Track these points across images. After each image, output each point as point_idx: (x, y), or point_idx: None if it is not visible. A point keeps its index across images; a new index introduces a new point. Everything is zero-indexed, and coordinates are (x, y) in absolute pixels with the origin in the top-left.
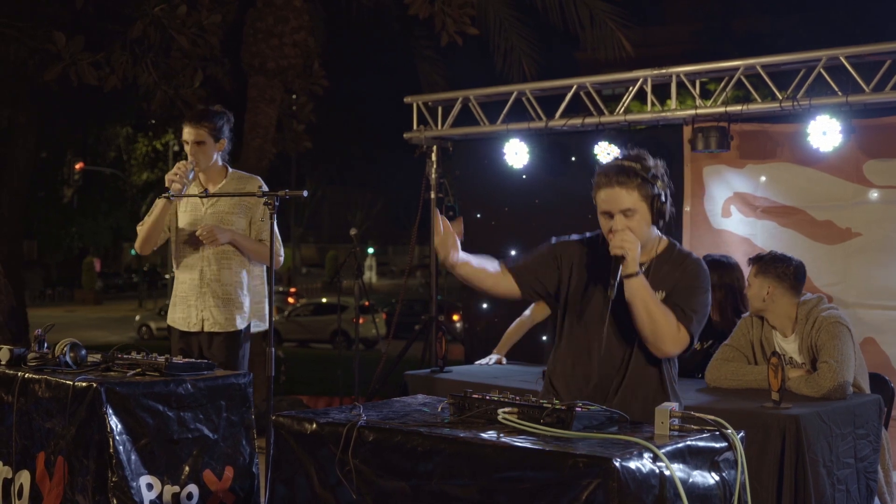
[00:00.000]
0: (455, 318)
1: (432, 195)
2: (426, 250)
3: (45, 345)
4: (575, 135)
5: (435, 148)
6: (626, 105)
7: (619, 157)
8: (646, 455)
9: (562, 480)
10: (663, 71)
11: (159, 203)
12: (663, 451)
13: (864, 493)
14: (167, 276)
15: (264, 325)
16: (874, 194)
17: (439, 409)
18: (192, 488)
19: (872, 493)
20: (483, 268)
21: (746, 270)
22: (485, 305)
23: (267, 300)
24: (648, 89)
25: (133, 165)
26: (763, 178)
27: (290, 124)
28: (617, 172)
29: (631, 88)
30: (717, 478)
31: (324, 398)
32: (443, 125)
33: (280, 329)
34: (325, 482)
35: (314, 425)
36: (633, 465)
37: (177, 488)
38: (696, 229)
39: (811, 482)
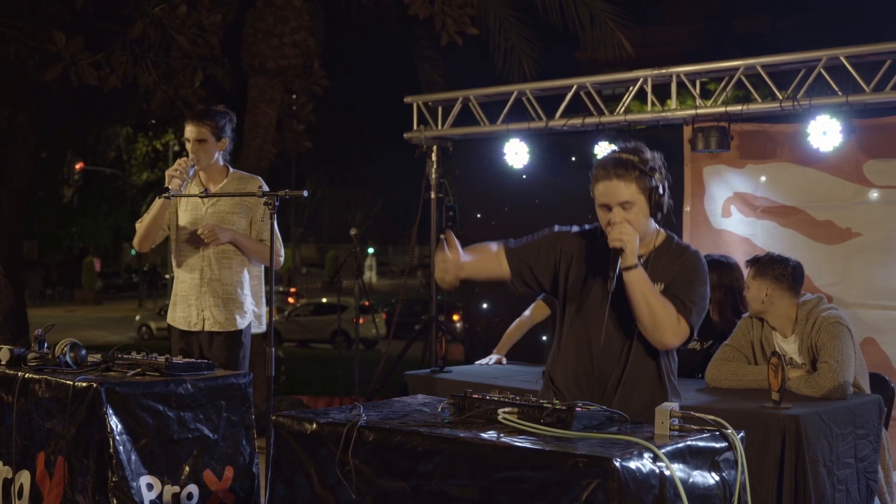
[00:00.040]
0: (455, 318)
1: (432, 195)
2: (426, 250)
3: (45, 345)
4: (575, 135)
5: (435, 148)
6: (626, 105)
7: (617, 150)
8: (646, 455)
9: (562, 480)
10: (663, 71)
11: (158, 201)
12: (663, 451)
13: (864, 493)
14: (167, 276)
15: (261, 328)
16: (874, 194)
17: (439, 409)
18: (192, 488)
19: (872, 493)
20: (479, 259)
21: (746, 271)
22: (485, 305)
23: (264, 300)
24: (648, 89)
25: (133, 165)
26: (763, 178)
27: (290, 124)
28: (615, 165)
29: (631, 88)
30: (717, 478)
31: (324, 398)
32: (443, 125)
33: (280, 329)
34: (325, 482)
35: (314, 425)
36: (633, 465)
37: (177, 488)
38: (696, 229)
39: (811, 482)
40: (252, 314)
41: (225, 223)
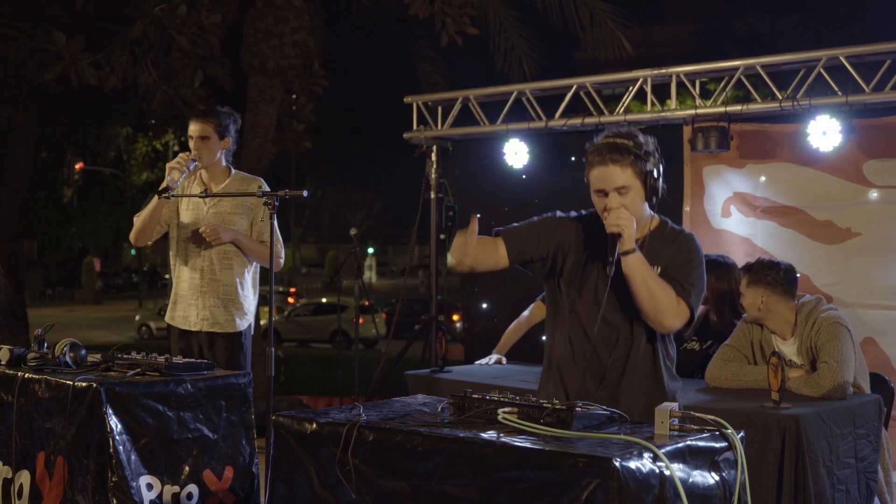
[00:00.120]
0: (455, 318)
1: (432, 195)
2: (426, 250)
3: (45, 345)
4: (575, 135)
5: (435, 148)
6: (626, 105)
7: (610, 135)
8: (646, 455)
9: (562, 480)
10: (663, 71)
11: (156, 198)
12: (663, 450)
13: (864, 493)
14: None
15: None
16: (874, 194)
17: (439, 409)
18: (192, 488)
19: (872, 493)
20: (481, 246)
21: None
22: (485, 305)
23: (255, 299)
24: (648, 89)
25: (133, 165)
26: (763, 178)
27: (290, 124)
28: (610, 150)
29: (631, 88)
30: (717, 478)
31: (324, 398)
32: (443, 125)
33: (280, 329)
34: (325, 482)
35: (314, 425)
36: (633, 464)
37: (177, 488)
38: (695, 229)
39: (811, 482)
40: (252, 315)
41: (226, 224)
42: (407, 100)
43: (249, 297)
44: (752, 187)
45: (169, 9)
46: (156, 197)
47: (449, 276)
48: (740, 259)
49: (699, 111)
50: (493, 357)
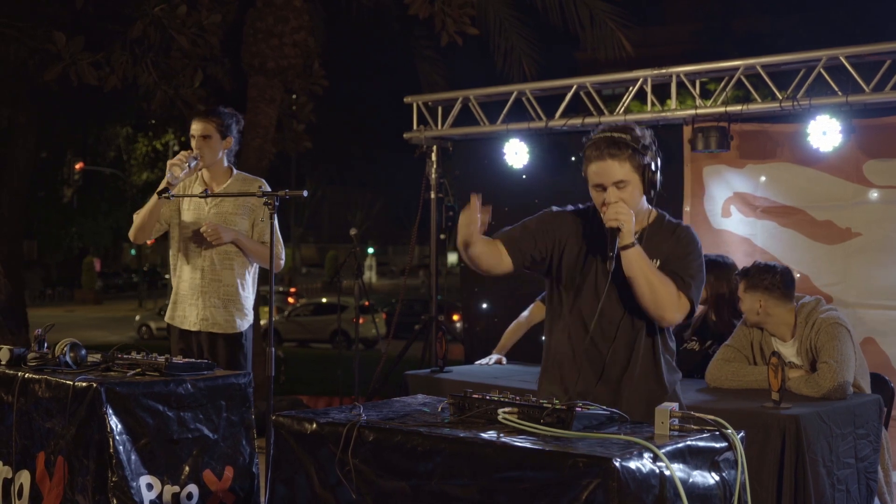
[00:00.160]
0: (455, 318)
1: (432, 195)
2: (426, 250)
3: (45, 345)
4: (575, 135)
5: (435, 148)
6: (626, 105)
7: (607, 129)
8: (646, 455)
9: (562, 480)
10: (663, 71)
11: (155, 197)
12: (663, 451)
13: (864, 493)
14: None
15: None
16: (874, 194)
17: (439, 409)
18: (192, 488)
19: (872, 493)
20: (488, 244)
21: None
22: (485, 305)
23: (252, 298)
24: (648, 89)
25: (133, 165)
26: (763, 178)
27: (290, 124)
28: (608, 145)
29: (631, 88)
30: (717, 478)
31: (324, 398)
32: (443, 125)
33: (280, 329)
34: (325, 482)
35: (314, 425)
36: (633, 465)
37: (177, 488)
38: (696, 229)
39: (811, 482)
40: (252, 315)
41: (227, 224)
42: (407, 100)
43: (250, 297)
44: (752, 187)
45: (169, 9)
46: (155, 195)
47: (449, 276)
48: (740, 259)
49: (699, 111)
50: (493, 357)
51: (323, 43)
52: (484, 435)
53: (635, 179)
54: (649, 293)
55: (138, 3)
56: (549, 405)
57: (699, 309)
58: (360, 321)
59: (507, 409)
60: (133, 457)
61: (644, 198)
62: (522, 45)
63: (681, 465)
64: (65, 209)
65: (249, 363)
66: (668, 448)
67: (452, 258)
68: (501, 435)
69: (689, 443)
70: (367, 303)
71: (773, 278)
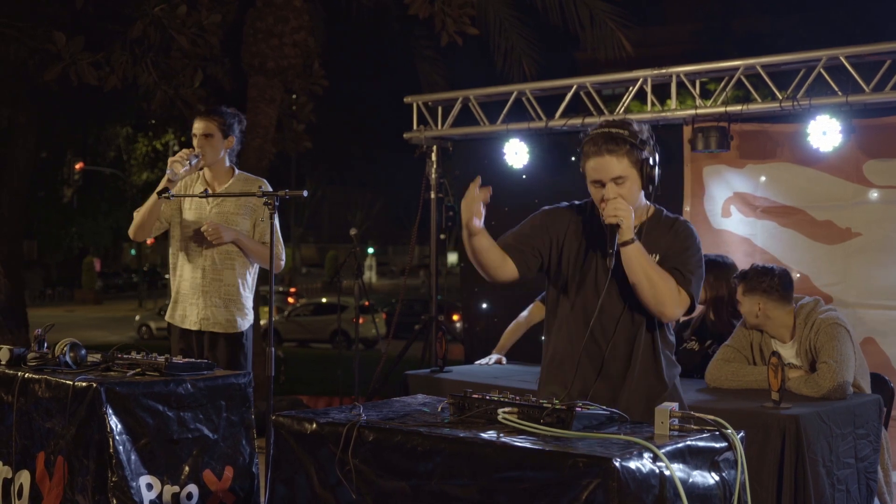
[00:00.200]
0: (455, 318)
1: (432, 195)
2: (426, 250)
3: (45, 345)
4: (575, 135)
5: (435, 148)
6: (626, 105)
7: (604, 125)
8: (646, 455)
9: (562, 480)
10: (663, 71)
11: (154, 195)
12: (663, 451)
13: (864, 493)
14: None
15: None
16: (874, 194)
17: (439, 409)
18: (192, 488)
19: (872, 493)
20: (493, 244)
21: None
22: (484, 305)
23: (252, 298)
24: (648, 89)
25: (133, 165)
26: (763, 178)
27: (290, 124)
28: (606, 140)
29: (631, 88)
30: (717, 478)
31: (324, 398)
32: (443, 125)
33: (280, 329)
34: (325, 482)
35: (314, 425)
36: (633, 465)
37: (177, 488)
38: (696, 229)
39: (811, 482)
40: (253, 315)
41: (229, 224)
42: (407, 100)
43: (251, 297)
44: (752, 187)
45: (169, 9)
46: (154, 195)
47: (449, 276)
48: (740, 259)
49: (699, 111)
50: (493, 357)
51: (323, 43)
52: (484, 435)
53: (633, 175)
54: (649, 289)
55: (138, 3)
56: (549, 405)
57: (699, 309)
58: (360, 321)
59: (507, 409)
60: (133, 457)
61: (642, 193)
62: (522, 45)
63: (681, 465)
64: (65, 209)
65: (250, 363)
66: (668, 448)
67: (452, 258)
68: (501, 435)
69: (689, 443)
70: (367, 303)
71: (771, 281)
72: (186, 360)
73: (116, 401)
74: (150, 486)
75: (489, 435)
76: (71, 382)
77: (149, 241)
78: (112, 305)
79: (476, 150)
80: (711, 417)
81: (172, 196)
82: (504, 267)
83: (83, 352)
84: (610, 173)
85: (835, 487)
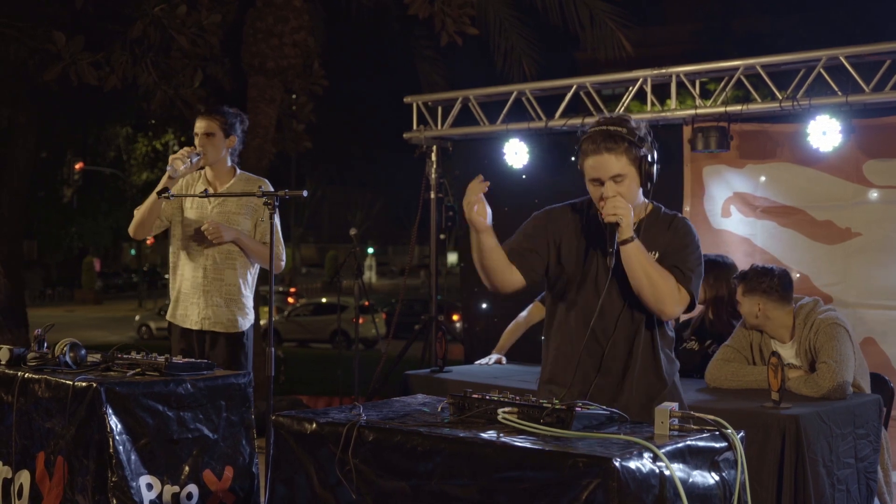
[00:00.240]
0: (455, 318)
1: (432, 195)
2: (426, 250)
3: (45, 345)
4: (575, 135)
5: (435, 148)
6: (626, 105)
7: (602, 122)
8: (646, 455)
9: (562, 480)
10: (663, 71)
11: (154, 195)
12: (663, 450)
13: (864, 493)
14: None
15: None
16: (874, 194)
17: (439, 409)
18: (192, 488)
19: (872, 493)
20: (501, 248)
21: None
22: (484, 305)
23: (251, 298)
24: (648, 89)
25: (133, 165)
26: (763, 178)
27: (290, 124)
28: (604, 138)
29: (631, 88)
30: (717, 478)
31: (324, 398)
32: (443, 125)
33: (280, 329)
34: (325, 482)
35: (314, 425)
36: (633, 464)
37: (176, 488)
38: (696, 229)
39: (811, 482)
40: (253, 315)
41: (230, 224)
42: (407, 100)
43: (252, 296)
44: (752, 187)
45: (169, 9)
46: (154, 194)
47: (449, 276)
48: (740, 259)
49: (699, 111)
50: (493, 357)
51: (323, 43)
52: (484, 435)
53: (632, 172)
54: (649, 287)
55: (138, 3)
56: (549, 405)
57: (698, 308)
58: (360, 321)
59: (506, 409)
60: (133, 457)
61: (640, 190)
62: (522, 45)
63: (681, 465)
64: (65, 209)
65: (250, 362)
66: (668, 448)
67: (452, 258)
68: (501, 435)
69: (688, 443)
70: (367, 303)
71: (770, 281)
72: (186, 360)
73: (116, 401)
74: (150, 486)
75: (489, 435)
76: (71, 382)
77: (148, 241)
78: (112, 305)
79: (476, 150)
80: (711, 417)
81: (172, 196)
82: (509, 274)
83: (83, 352)
84: (609, 172)
85: (835, 487)
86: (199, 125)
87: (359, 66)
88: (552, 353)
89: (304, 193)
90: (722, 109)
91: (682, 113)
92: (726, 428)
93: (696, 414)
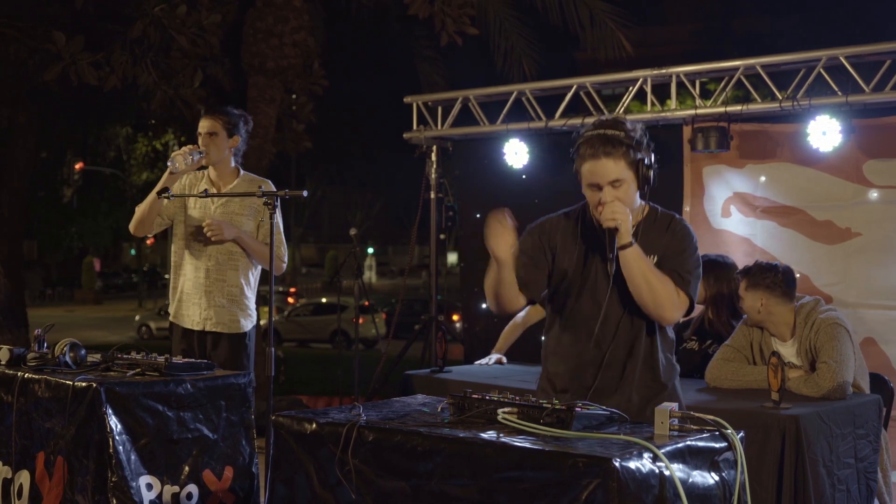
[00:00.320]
0: (455, 318)
1: (432, 195)
2: (426, 250)
3: (45, 345)
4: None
5: (435, 148)
6: (626, 105)
7: (598, 126)
8: (646, 455)
9: (562, 480)
10: (663, 71)
11: (154, 194)
12: (663, 451)
13: (864, 494)
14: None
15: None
16: (874, 194)
17: (439, 409)
18: (192, 488)
19: (872, 493)
20: (515, 281)
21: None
22: (484, 305)
23: (253, 299)
24: (648, 89)
25: (133, 165)
26: (763, 178)
27: (290, 124)
28: (602, 143)
29: (631, 88)
30: (716, 478)
31: (324, 398)
32: (443, 125)
33: (280, 329)
34: (325, 482)
35: (314, 425)
36: (632, 465)
37: (176, 488)
38: (695, 229)
39: (811, 482)
40: (255, 315)
41: (233, 224)
42: (407, 100)
43: (254, 297)
44: (752, 187)
45: (169, 9)
46: (154, 193)
47: (449, 276)
48: (740, 259)
49: (699, 111)
50: (493, 357)
51: (323, 43)
52: (484, 435)
53: (630, 176)
54: (648, 293)
55: (138, 3)
56: (549, 405)
57: (698, 308)
58: (360, 321)
59: (506, 409)
60: (133, 457)
61: (638, 193)
62: (522, 45)
63: (680, 465)
64: (65, 209)
65: (252, 363)
66: (668, 448)
67: (452, 258)
68: (501, 435)
69: (688, 443)
70: (367, 303)
71: (774, 277)
72: (186, 360)
73: (116, 401)
74: (149, 486)
75: (489, 435)
76: (71, 382)
77: (149, 241)
78: (112, 305)
79: (476, 150)
80: (711, 417)
81: (172, 196)
82: (517, 300)
83: (83, 352)
84: (607, 177)
85: (835, 487)
86: (203, 124)
87: (359, 66)
88: (552, 357)
89: (304, 193)
90: (722, 109)
91: (682, 113)
92: (726, 428)
93: (696, 414)
